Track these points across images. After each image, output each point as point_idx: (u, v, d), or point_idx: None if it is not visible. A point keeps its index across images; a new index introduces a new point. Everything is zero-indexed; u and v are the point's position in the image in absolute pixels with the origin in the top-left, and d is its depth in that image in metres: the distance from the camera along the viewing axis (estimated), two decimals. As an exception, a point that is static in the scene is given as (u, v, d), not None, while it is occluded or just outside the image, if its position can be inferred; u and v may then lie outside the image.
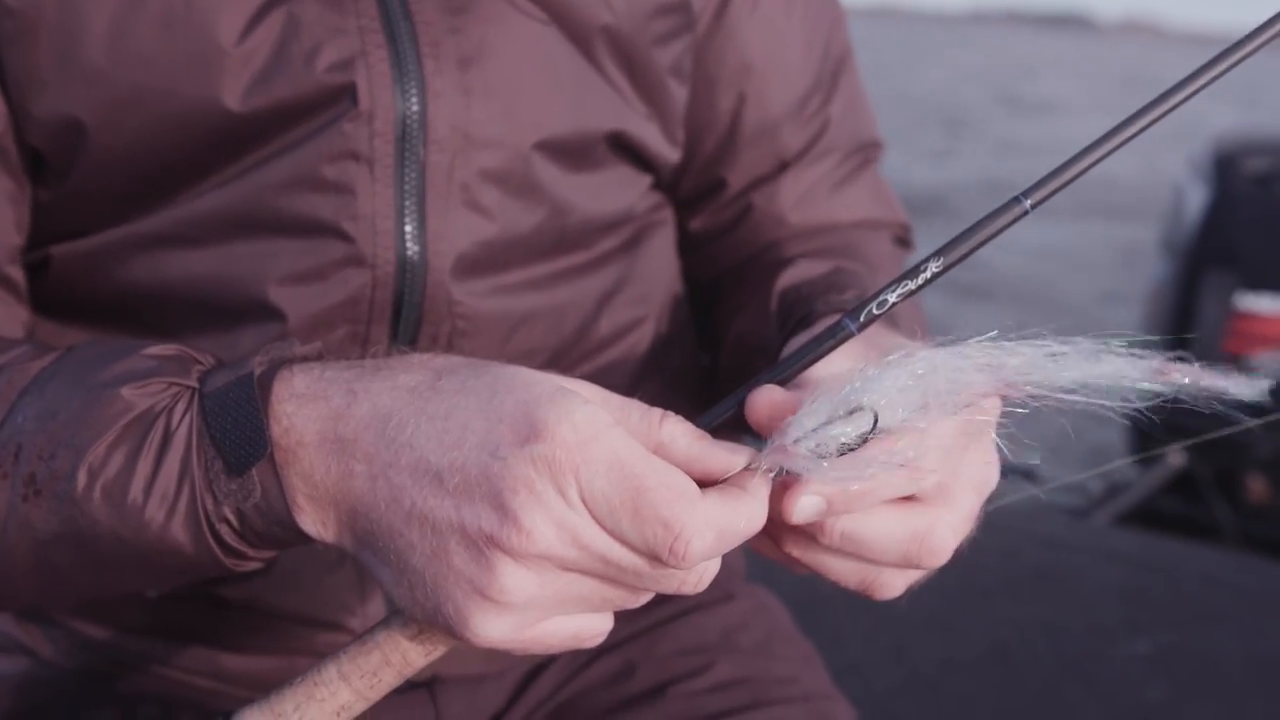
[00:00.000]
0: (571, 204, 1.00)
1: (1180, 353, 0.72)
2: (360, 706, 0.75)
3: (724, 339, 1.10)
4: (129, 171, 0.91)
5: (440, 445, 0.68)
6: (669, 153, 1.07)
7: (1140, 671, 2.52)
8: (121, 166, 0.91)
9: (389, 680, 0.74)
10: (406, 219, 0.92)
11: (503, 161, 0.95)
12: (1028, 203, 0.71)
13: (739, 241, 1.15)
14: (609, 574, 0.68)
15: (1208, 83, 0.73)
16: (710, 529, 0.66)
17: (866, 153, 1.17)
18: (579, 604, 0.70)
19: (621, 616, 1.17)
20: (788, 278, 1.02)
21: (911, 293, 0.72)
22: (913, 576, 0.78)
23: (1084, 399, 0.71)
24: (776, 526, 0.73)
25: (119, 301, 0.96)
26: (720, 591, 1.19)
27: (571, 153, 0.99)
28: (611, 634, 1.13)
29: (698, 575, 0.69)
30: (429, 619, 0.70)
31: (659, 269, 1.13)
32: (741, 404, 0.74)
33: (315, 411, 0.71)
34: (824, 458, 0.69)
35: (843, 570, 0.77)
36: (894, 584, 0.78)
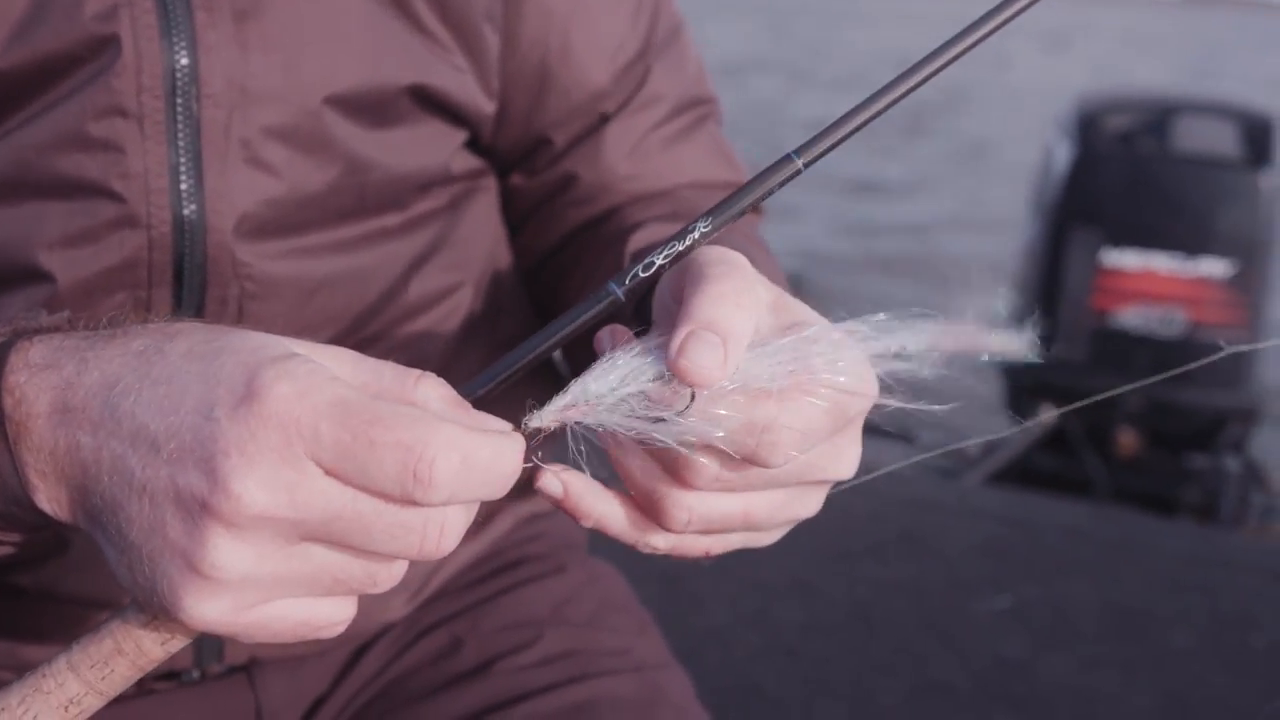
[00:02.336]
0: (371, 161, 0.96)
1: (950, 318, 0.72)
2: (94, 701, 0.70)
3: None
4: None
5: (159, 411, 0.64)
6: (483, 104, 1.03)
7: (998, 626, 2.54)
8: None
9: (123, 672, 0.70)
10: (182, 177, 0.89)
11: (287, 117, 0.91)
12: (800, 161, 0.70)
13: (571, 203, 1.11)
14: (337, 538, 0.63)
15: (981, 39, 0.71)
16: (454, 450, 0.62)
17: (702, 108, 1.14)
18: (306, 585, 0.65)
19: (448, 594, 1.16)
20: (638, 242, 0.98)
21: (681, 253, 0.70)
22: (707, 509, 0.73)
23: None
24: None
25: None
26: (551, 565, 1.17)
27: (368, 108, 0.95)
28: (438, 611, 1.12)
29: (438, 527, 0.64)
30: (149, 600, 0.66)
31: (480, 234, 1.09)
32: (513, 373, 0.70)
33: (47, 381, 0.67)
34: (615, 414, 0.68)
35: (634, 471, 0.73)
36: (676, 512, 0.73)
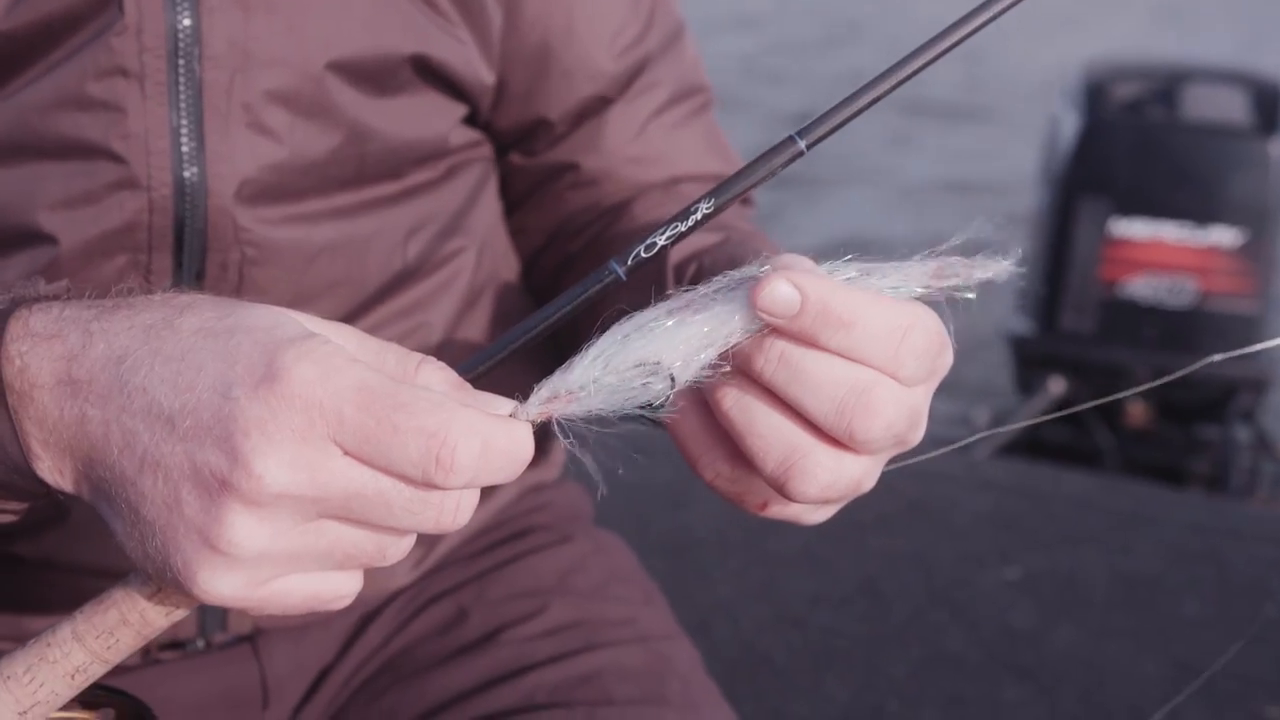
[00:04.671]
0: (372, 129, 0.96)
1: (944, 252, 0.71)
2: (98, 668, 0.71)
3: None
4: None
5: (173, 388, 0.63)
6: (484, 76, 1.03)
7: (1008, 596, 2.54)
8: None
9: (127, 641, 0.70)
10: (183, 139, 0.89)
11: (290, 82, 0.91)
12: (803, 143, 0.70)
13: (571, 185, 1.11)
14: (355, 515, 0.64)
15: (990, 19, 0.71)
16: (475, 435, 0.62)
17: (700, 97, 1.14)
18: (318, 560, 0.66)
19: (453, 563, 1.16)
20: (678, 251, 0.96)
21: (682, 234, 0.70)
22: (837, 475, 0.70)
23: None
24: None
25: None
26: (557, 535, 1.17)
27: (370, 75, 0.95)
28: (443, 580, 1.12)
29: (455, 502, 0.65)
30: (160, 574, 0.66)
31: (478, 205, 1.09)
32: (510, 351, 0.71)
33: (50, 352, 0.67)
34: (607, 407, 0.68)
35: (769, 436, 0.70)
36: (817, 472, 0.69)
